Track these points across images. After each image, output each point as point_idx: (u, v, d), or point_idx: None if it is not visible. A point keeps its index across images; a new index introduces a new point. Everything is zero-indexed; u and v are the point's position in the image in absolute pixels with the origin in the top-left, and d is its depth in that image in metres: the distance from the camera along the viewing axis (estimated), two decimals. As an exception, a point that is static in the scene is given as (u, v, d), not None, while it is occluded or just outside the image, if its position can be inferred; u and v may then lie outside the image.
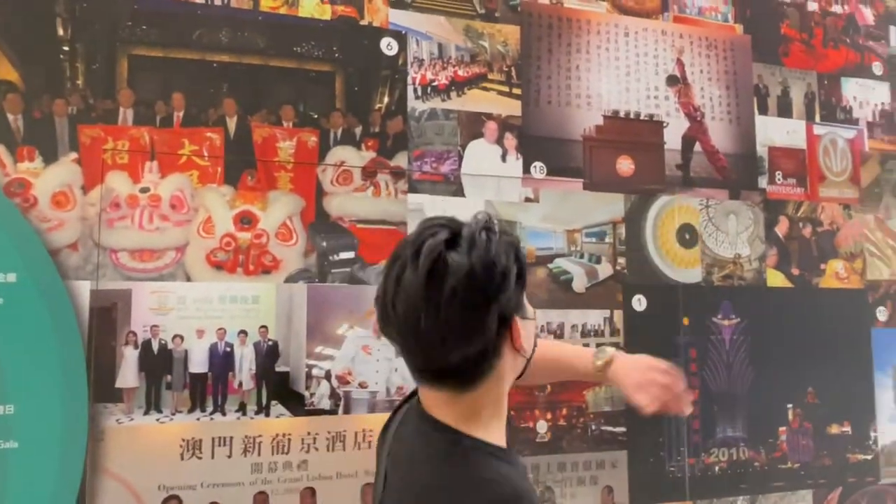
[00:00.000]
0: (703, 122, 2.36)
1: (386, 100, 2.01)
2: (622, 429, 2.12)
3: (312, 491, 1.81)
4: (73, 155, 1.73)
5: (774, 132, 2.46)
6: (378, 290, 1.00)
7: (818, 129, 2.52)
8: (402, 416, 1.11)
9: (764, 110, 2.45)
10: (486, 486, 0.91)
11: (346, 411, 1.87)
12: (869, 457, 2.43)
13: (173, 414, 1.73)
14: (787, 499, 2.31)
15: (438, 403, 1.00)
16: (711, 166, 2.35)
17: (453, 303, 0.91)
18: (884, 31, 2.68)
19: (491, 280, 0.93)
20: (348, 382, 1.88)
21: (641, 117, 2.28)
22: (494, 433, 1.00)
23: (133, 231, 1.75)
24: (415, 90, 2.04)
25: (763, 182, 2.42)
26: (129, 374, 1.71)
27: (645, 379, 1.35)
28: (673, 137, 2.31)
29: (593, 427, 2.08)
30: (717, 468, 2.23)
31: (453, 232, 0.96)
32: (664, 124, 2.31)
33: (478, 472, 0.92)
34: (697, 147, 2.34)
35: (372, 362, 1.91)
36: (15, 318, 1.62)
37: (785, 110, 2.48)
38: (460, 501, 0.89)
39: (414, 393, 1.16)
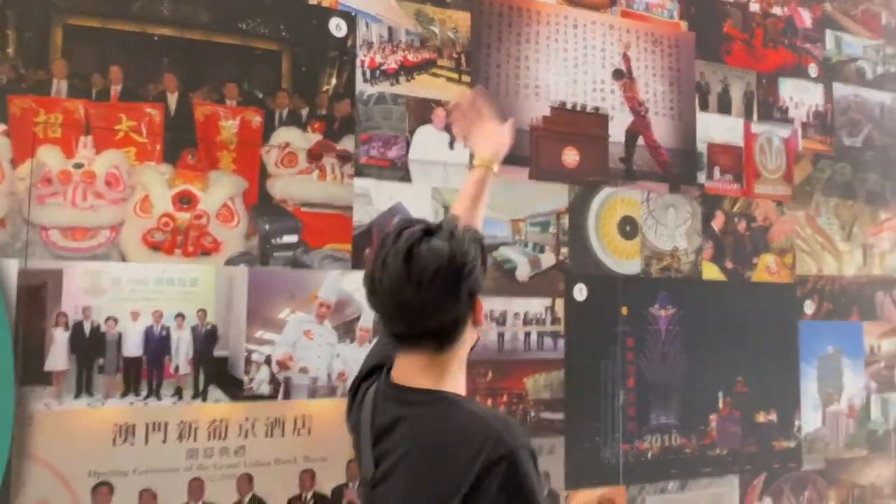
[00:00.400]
0: (647, 116, 2.40)
1: (334, 81, 1.98)
2: (560, 415, 2.16)
3: (249, 477, 1.79)
4: (2, 126, 1.65)
5: (714, 129, 2.52)
6: (366, 272, 1.18)
7: (755, 128, 2.59)
8: (371, 396, 1.23)
9: (705, 107, 2.52)
10: (487, 418, 1.12)
11: (286, 397, 1.85)
12: (792, 444, 2.54)
13: (106, 398, 1.68)
14: (714, 484, 2.39)
15: (414, 369, 1.17)
16: (653, 160, 2.40)
17: (435, 280, 1.11)
18: (820, 35, 2.77)
19: (465, 264, 1.13)
20: (289, 368, 1.86)
21: (587, 110, 2.31)
22: (460, 388, 1.21)
23: (65, 208, 1.68)
24: (363, 73, 2.01)
25: (702, 177, 2.48)
26: (59, 357, 1.65)
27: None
28: (617, 131, 2.35)
29: (532, 414, 2.11)
30: (649, 454, 2.29)
31: (428, 226, 1.17)
32: (609, 117, 2.34)
33: (473, 411, 1.13)
34: (640, 141, 2.38)
35: (314, 347, 1.89)
36: (-65, 296, 1.55)
37: (725, 108, 2.55)
38: (470, 440, 1.08)
39: (365, 377, 1.32)
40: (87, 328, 1.67)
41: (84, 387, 1.67)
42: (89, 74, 1.73)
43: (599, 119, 2.32)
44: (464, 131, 1.64)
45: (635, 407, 2.28)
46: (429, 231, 1.16)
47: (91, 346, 1.67)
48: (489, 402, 2.06)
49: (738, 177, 2.55)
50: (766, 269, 2.56)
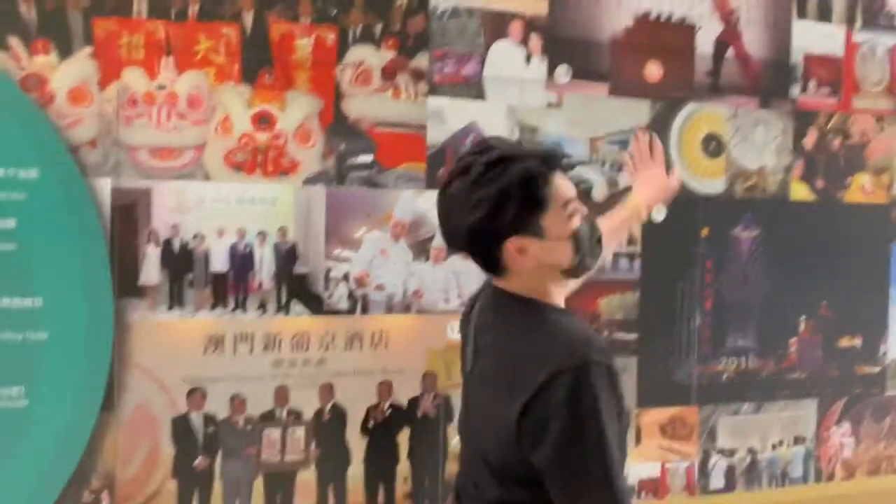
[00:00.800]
0: (738, 26, 2.25)
1: (407, -4, 1.93)
2: (634, 335, 2.16)
3: (330, 386, 1.88)
4: (88, 49, 1.70)
5: (812, 38, 2.35)
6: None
7: (858, 36, 2.40)
8: (480, 303, 1.30)
9: (803, 14, 2.34)
10: (568, 331, 1.16)
11: (364, 312, 1.91)
12: (877, 369, 2.46)
13: (196, 311, 1.78)
14: (790, 406, 2.36)
15: (502, 285, 1.23)
16: (743, 73, 2.27)
17: (453, 206, 1.18)
18: (939, -71, 2.50)
19: (477, 208, 1.14)
20: (366, 284, 1.91)
21: (673, 19, 2.19)
22: (557, 300, 1.23)
23: (151, 129, 1.74)
24: (438, -14, 1.95)
25: (795, 91, 2.33)
26: (151, 272, 1.74)
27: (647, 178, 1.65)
28: (705, 42, 2.22)
29: (606, 333, 2.12)
30: (724, 376, 2.28)
31: (475, 158, 1.17)
32: (696, 28, 2.21)
33: (557, 322, 1.18)
34: (730, 52, 2.25)
35: (389, 265, 1.93)
36: (38, 213, 1.65)
37: (825, 14, 2.36)
38: (543, 349, 1.12)
39: (482, 290, 1.36)
40: (176, 245, 1.76)
41: (176, 299, 1.77)
42: (168, -6, 1.75)
43: (686, 30, 2.20)
44: (634, 171, 1.67)
45: (711, 329, 2.25)
46: (470, 165, 1.16)
47: (180, 261, 1.76)
48: (562, 321, 2.08)
49: (836, 90, 2.38)
50: (861, 188, 2.43)
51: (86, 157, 1.69)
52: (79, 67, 1.69)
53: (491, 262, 1.18)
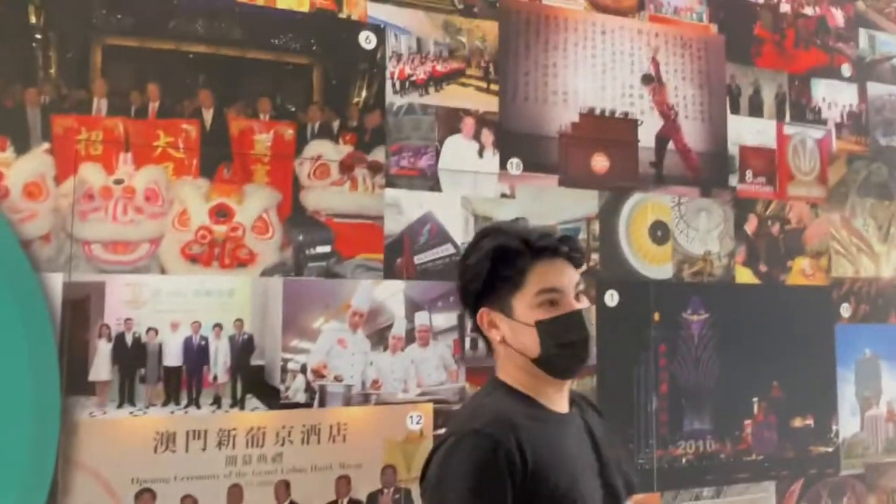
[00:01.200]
0: (677, 120, 2.39)
1: (364, 94, 2.01)
2: (593, 422, 2.16)
3: (287, 483, 1.82)
4: (46, 145, 1.71)
5: (746, 131, 2.50)
6: None
7: (788, 129, 2.57)
8: None
9: (736, 109, 2.50)
10: (475, 407, 1.29)
11: (322, 404, 1.88)
12: (830, 449, 2.50)
13: (147, 407, 1.73)
14: (750, 490, 2.37)
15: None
16: (684, 164, 2.39)
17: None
18: (853, 34, 2.73)
19: (463, 275, 1.30)
20: (323, 376, 1.89)
21: (616, 115, 2.31)
22: (513, 377, 1.28)
23: (107, 223, 1.74)
24: (393, 85, 2.04)
25: (734, 180, 2.46)
26: (102, 367, 1.70)
27: None
28: (647, 135, 2.35)
29: (565, 420, 2.12)
30: (684, 460, 2.28)
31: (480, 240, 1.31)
32: (639, 122, 2.34)
33: (479, 400, 1.30)
34: (671, 145, 2.38)
35: (347, 356, 1.92)
36: (-15, 310, 1.60)
37: (756, 110, 2.53)
38: (454, 420, 1.29)
39: None
40: (128, 339, 1.72)
41: (126, 396, 1.72)
42: (128, 92, 1.78)
43: (629, 124, 2.32)
44: None
45: (668, 412, 2.27)
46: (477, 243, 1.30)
47: (133, 356, 1.72)
48: (521, 408, 2.07)
49: (771, 179, 2.52)
50: (801, 272, 2.54)
51: (39, 252, 1.67)
52: (35, 163, 1.70)
53: (481, 334, 1.30)
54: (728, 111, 2.48)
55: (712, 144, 2.45)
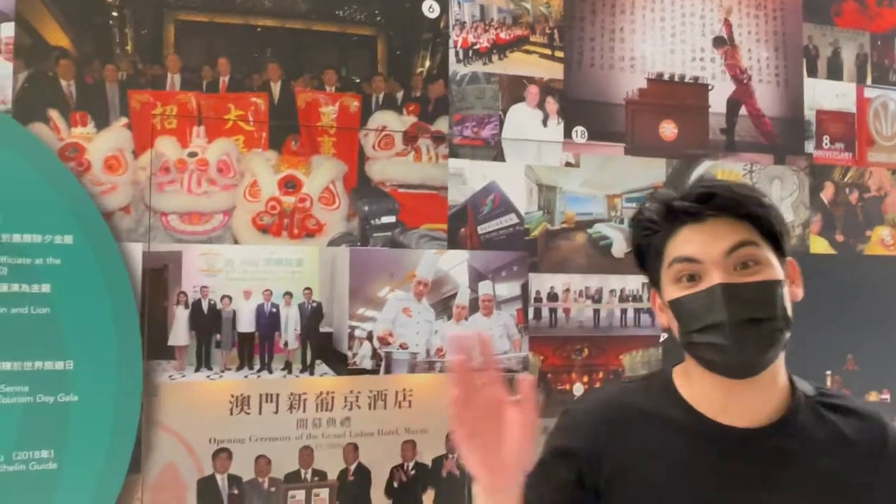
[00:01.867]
0: (750, 84, 2.31)
1: (427, 63, 2.01)
2: (658, 392, 2.14)
3: (355, 446, 1.88)
4: (124, 120, 1.78)
5: (823, 95, 2.40)
6: None
7: (869, 92, 2.45)
8: None
9: (813, 72, 2.39)
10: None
11: (388, 371, 1.92)
12: (908, 425, 2.41)
13: (223, 371, 1.81)
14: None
15: None
16: (756, 130, 2.31)
17: None
18: (944, -12, 2.57)
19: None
20: (389, 343, 1.93)
21: (686, 80, 2.25)
22: (680, 374, 1.04)
23: (182, 195, 1.80)
24: (456, 53, 2.03)
25: (810, 146, 2.37)
26: (180, 333, 1.78)
27: None
28: (718, 100, 2.27)
29: (629, 390, 2.11)
30: (752, 433, 2.24)
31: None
32: (709, 87, 2.27)
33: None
34: (743, 110, 2.30)
35: (412, 324, 1.95)
36: (72, 278, 1.69)
37: (835, 72, 2.42)
38: None
39: None
40: (204, 306, 1.80)
41: (203, 360, 1.79)
42: (200, 67, 1.83)
43: (699, 89, 2.26)
44: (464, 430, 0.89)
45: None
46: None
47: (209, 322, 1.80)
48: (585, 378, 2.07)
49: (850, 145, 2.42)
50: (881, 241, 2.43)
51: (119, 223, 1.75)
52: (114, 137, 1.77)
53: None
54: (805, 74, 2.38)
55: (787, 109, 2.35)
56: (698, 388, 1.00)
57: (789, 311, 0.95)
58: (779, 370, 0.98)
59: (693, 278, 0.95)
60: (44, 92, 1.72)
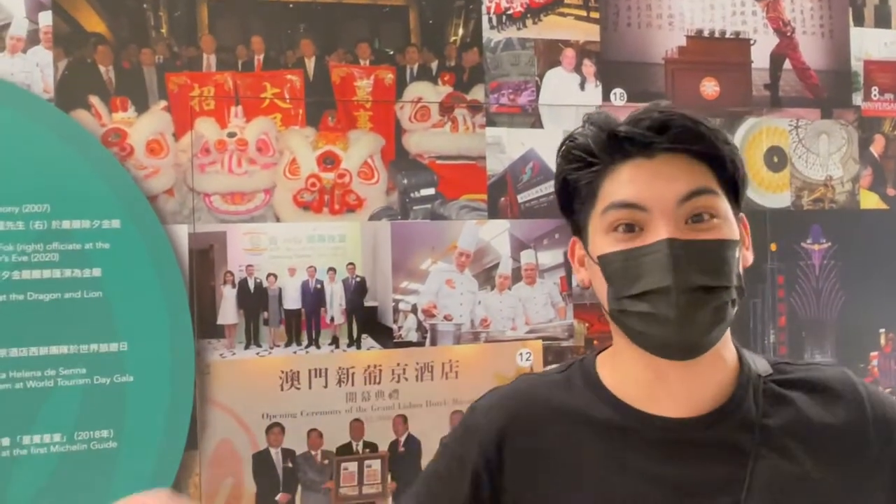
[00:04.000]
0: (794, 37, 2.23)
1: (461, 32, 1.98)
2: (706, 356, 2.11)
3: (404, 418, 1.90)
4: (163, 103, 1.79)
5: (871, 44, 2.31)
6: None
7: (920, 39, 2.35)
8: None
9: (860, 21, 2.30)
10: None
11: (433, 343, 1.93)
12: (967, 381, 2.35)
13: (271, 348, 1.83)
14: (877, 423, 2.27)
15: None
16: (802, 84, 2.24)
17: None
18: None
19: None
20: (434, 315, 1.93)
21: (727, 35, 2.18)
22: (607, 359, 0.86)
23: (223, 175, 1.81)
24: (489, 20, 2.00)
25: (858, 99, 2.29)
26: (228, 312, 1.80)
27: None
28: (761, 55, 2.20)
29: (677, 355, 2.08)
30: (804, 394, 2.21)
31: None
32: (751, 42, 2.20)
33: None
34: (787, 64, 2.22)
35: (456, 295, 1.95)
36: (122, 261, 1.73)
37: (883, 20, 2.32)
38: None
39: None
40: (251, 284, 1.82)
41: (252, 338, 1.82)
42: (234, 47, 1.83)
43: (740, 44, 2.19)
44: None
45: (787, 345, 2.19)
46: None
47: (255, 300, 1.82)
48: (632, 344, 2.05)
49: (901, 95, 2.33)
50: (935, 194, 2.35)
51: (164, 206, 1.78)
52: (154, 121, 1.78)
53: None
54: (851, 23, 2.29)
55: (833, 61, 2.27)
56: (623, 371, 0.82)
57: (742, 280, 0.78)
58: (725, 348, 0.81)
59: (632, 229, 0.75)
60: (84, 79, 1.74)
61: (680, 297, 0.72)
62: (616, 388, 0.82)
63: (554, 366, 0.97)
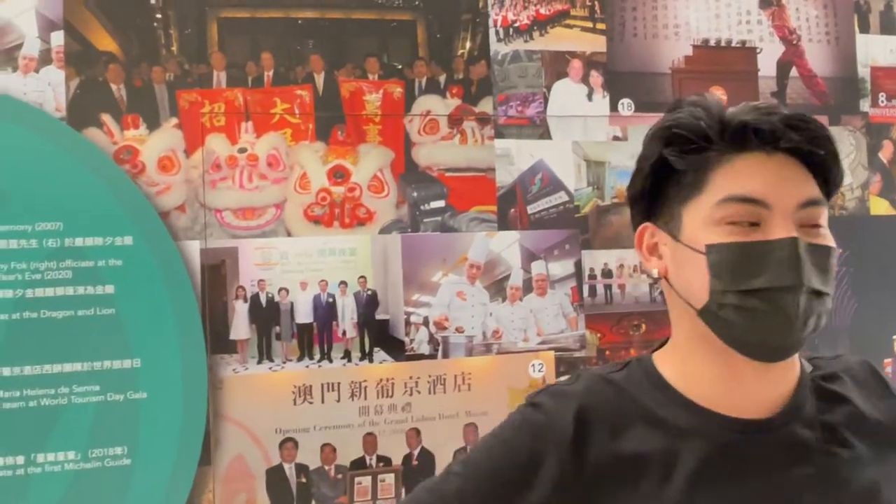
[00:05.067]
0: (800, 44, 2.24)
1: (468, 45, 1.99)
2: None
3: (417, 431, 1.89)
4: (174, 120, 1.80)
5: (877, 51, 2.31)
6: None
7: (927, 45, 2.35)
8: None
9: (865, 28, 2.31)
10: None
11: (445, 355, 1.93)
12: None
13: (284, 362, 1.83)
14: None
15: None
16: (809, 91, 2.24)
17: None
18: None
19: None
20: (445, 328, 1.93)
21: (733, 44, 2.19)
22: (667, 358, 0.82)
23: (234, 190, 1.82)
24: (497, 33, 2.01)
25: (865, 105, 2.29)
26: (241, 327, 1.81)
27: None
28: (767, 64, 2.21)
29: (690, 364, 2.07)
30: (818, 402, 2.19)
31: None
32: (758, 50, 2.20)
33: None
34: (794, 72, 2.23)
35: (467, 307, 1.95)
36: (134, 278, 1.73)
37: (889, 27, 2.33)
38: None
39: None
40: (262, 299, 1.82)
41: (265, 353, 1.82)
42: (244, 63, 1.85)
43: (747, 53, 2.19)
44: None
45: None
46: None
47: (267, 315, 1.82)
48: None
49: (908, 101, 2.33)
50: (945, 199, 2.34)
51: (176, 222, 1.78)
52: (166, 137, 1.79)
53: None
54: (857, 30, 2.30)
55: (840, 68, 2.28)
56: (692, 371, 0.78)
57: None
58: None
59: (746, 224, 0.73)
60: (95, 97, 1.76)
61: (801, 297, 0.70)
62: (685, 388, 0.78)
63: (606, 364, 0.89)
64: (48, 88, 1.72)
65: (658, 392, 0.79)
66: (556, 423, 0.78)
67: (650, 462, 0.75)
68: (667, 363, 0.81)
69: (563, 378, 0.87)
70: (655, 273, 0.81)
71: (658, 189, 0.79)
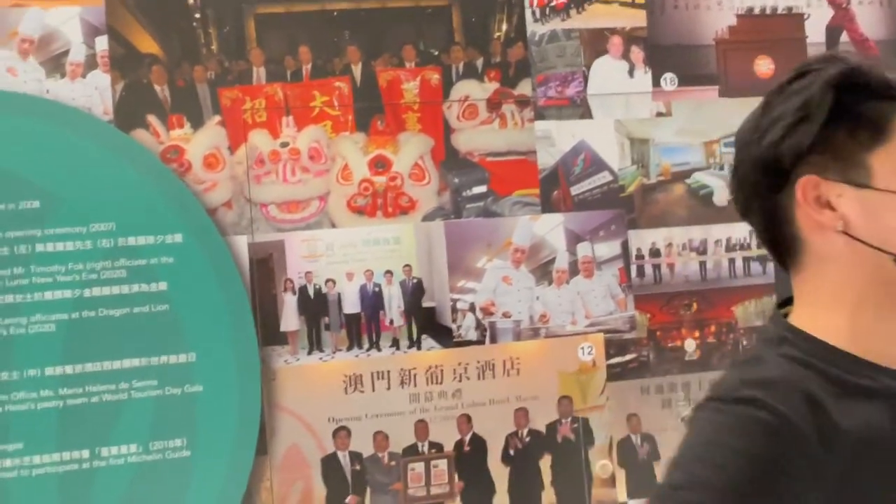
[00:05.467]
0: (850, 8, 2.15)
1: (504, 27, 1.97)
2: (774, 342, 2.05)
3: (468, 417, 1.90)
4: (217, 118, 1.83)
5: (934, 9, 2.21)
6: None
7: None
8: None
9: (920, -14, 2.21)
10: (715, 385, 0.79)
11: (493, 341, 1.92)
12: None
13: (334, 352, 1.85)
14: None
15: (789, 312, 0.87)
16: (861, 56, 2.15)
17: (745, 153, 0.86)
18: None
19: (771, 125, 0.80)
20: (492, 313, 1.93)
21: (779, 11, 2.12)
22: (822, 323, 0.79)
23: (279, 185, 1.85)
24: (533, 13, 1.98)
25: (922, 67, 2.19)
26: (290, 318, 1.83)
27: None
28: (816, 30, 2.13)
29: (744, 342, 2.03)
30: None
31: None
32: (805, 16, 2.13)
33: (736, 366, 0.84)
34: (844, 37, 2.15)
35: (513, 292, 1.94)
36: (185, 274, 1.77)
37: (946, -18, 2.22)
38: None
39: None
40: (310, 291, 1.84)
41: (315, 343, 1.85)
42: (282, 58, 1.86)
43: (794, 20, 2.12)
44: None
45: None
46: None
47: (316, 306, 1.84)
48: (696, 334, 2.01)
49: (969, 60, 2.22)
50: None
51: (223, 218, 1.81)
52: (210, 135, 1.82)
53: (782, 234, 0.81)
54: (911, -11, 2.20)
55: (893, 30, 2.18)
56: (872, 330, 0.77)
57: None
58: None
59: None
60: (141, 99, 1.79)
61: None
62: (863, 351, 0.76)
63: (751, 347, 0.84)
64: (95, 93, 1.77)
65: (840, 359, 0.76)
66: (788, 418, 0.71)
67: (877, 431, 0.73)
68: (830, 329, 0.78)
69: (738, 364, 0.83)
70: (834, 227, 0.77)
71: (825, 139, 0.76)
